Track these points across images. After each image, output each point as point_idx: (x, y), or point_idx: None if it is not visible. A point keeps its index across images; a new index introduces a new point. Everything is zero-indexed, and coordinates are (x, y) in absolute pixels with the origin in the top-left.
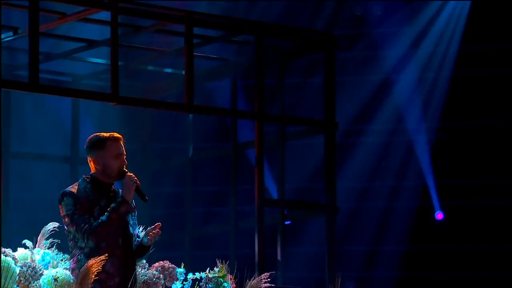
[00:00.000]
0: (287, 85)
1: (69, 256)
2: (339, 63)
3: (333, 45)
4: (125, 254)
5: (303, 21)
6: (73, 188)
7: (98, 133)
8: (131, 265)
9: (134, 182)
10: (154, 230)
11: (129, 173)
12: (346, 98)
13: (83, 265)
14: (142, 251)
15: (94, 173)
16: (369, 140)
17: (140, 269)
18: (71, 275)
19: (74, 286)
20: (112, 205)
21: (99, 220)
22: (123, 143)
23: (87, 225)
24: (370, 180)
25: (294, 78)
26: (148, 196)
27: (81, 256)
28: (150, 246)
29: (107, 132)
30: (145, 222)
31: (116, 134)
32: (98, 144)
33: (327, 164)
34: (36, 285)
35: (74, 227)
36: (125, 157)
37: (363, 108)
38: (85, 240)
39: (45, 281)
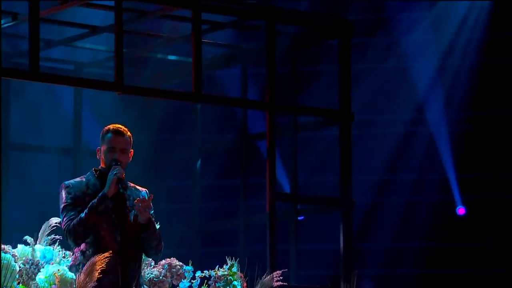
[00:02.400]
0: (300, 74)
1: (70, 253)
2: (354, 50)
3: (349, 31)
4: (122, 251)
5: (320, 6)
6: (74, 180)
7: (109, 125)
8: (129, 262)
9: (115, 174)
10: (141, 203)
11: (115, 166)
12: (363, 87)
13: (79, 262)
14: (142, 230)
15: (102, 165)
16: (386, 131)
17: (145, 267)
18: (69, 272)
19: (76, 284)
20: (93, 200)
21: (77, 218)
22: (130, 138)
23: (68, 223)
24: (388, 173)
25: (308, 66)
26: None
27: (78, 253)
28: (146, 222)
29: (117, 124)
30: None
31: (118, 127)
32: (101, 135)
33: (342, 156)
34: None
35: (61, 223)
36: (123, 152)
37: (380, 98)
38: (66, 239)
39: (42, 278)
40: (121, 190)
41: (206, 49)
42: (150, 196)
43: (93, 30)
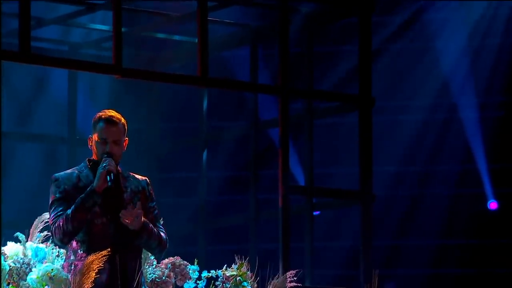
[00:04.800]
0: (316, 55)
1: (65, 251)
2: (375, 28)
3: (369, 8)
4: (116, 248)
5: None
6: (65, 172)
7: (102, 110)
8: (124, 260)
9: (104, 167)
10: (125, 216)
11: (105, 158)
12: (383, 69)
13: (71, 263)
14: (135, 236)
15: (94, 157)
16: (409, 118)
17: (148, 267)
18: (63, 272)
19: (72, 286)
20: (81, 196)
21: (64, 215)
22: (124, 126)
23: (54, 220)
24: (410, 164)
25: (324, 47)
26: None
27: (70, 252)
28: (138, 229)
29: (110, 111)
30: None
31: (110, 116)
32: (93, 123)
33: (362, 145)
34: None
35: (49, 220)
36: (116, 144)
37: (402, 81)
38: (52, 237)
39: (34, 278)
40: (109, 184)
41: (212, 28)
42: (138, 204)
43: (89, 7)
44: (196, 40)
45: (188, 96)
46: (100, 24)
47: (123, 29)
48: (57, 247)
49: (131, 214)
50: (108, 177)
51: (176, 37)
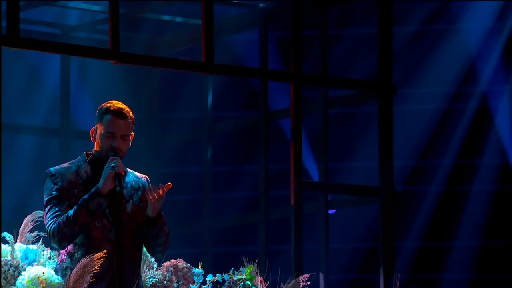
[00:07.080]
0: (331, 38)
1: (56, 253)
2: (395, 9)
3: None
4: (118, 252)
5: None
6: (61, 167)
7: (109, 101)
8: (126, 265)
9: (113, 168)
10: (152, 190)
11: (113, 157)
12: (402, 53)
13: (66, 267)
14: (149, 225)
15: (96, 149)
16: (431, 107)
17: (148, 270)
18: (55, 275)
19: None
20: (84, 196)
21: (64, 216)
22: (133, 120)
23: (52, 220)
24: (433, 158)
25: (340, 29)
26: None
27: (65, 255)
28: (156, 216)
29: (119, 103)
30: None
31: (119, 108)
32: (98, 114)
33: (382, 137)
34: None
35: (44, 220)
36: (124, 139)
37: (424, 66)
38: (49, 240)
39: (24, 282)
40: (118, 189)
41: (218, 9)
42: (167, 184)
43: None
44: (200, 22)
45: (191, 84)
46: (95, 5)
47: (120, 11)
48: (49, 248)
49: (158, 192)
50: (116, 180)
51: (179, 19)
